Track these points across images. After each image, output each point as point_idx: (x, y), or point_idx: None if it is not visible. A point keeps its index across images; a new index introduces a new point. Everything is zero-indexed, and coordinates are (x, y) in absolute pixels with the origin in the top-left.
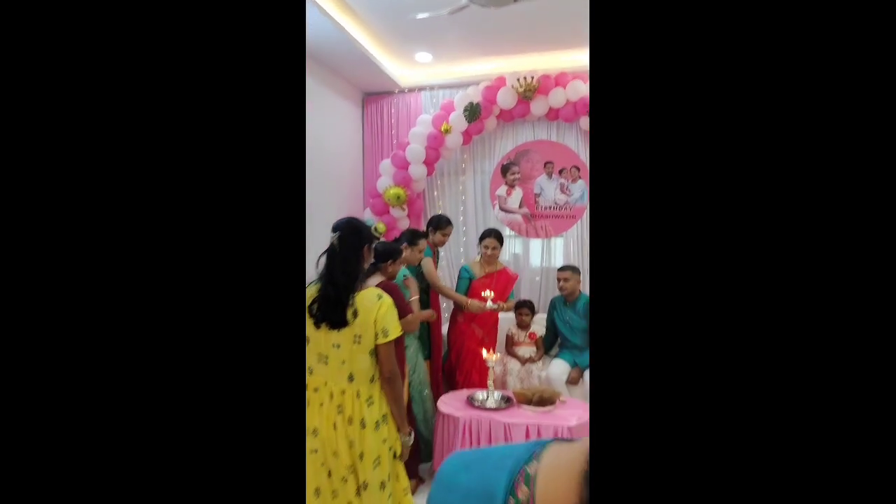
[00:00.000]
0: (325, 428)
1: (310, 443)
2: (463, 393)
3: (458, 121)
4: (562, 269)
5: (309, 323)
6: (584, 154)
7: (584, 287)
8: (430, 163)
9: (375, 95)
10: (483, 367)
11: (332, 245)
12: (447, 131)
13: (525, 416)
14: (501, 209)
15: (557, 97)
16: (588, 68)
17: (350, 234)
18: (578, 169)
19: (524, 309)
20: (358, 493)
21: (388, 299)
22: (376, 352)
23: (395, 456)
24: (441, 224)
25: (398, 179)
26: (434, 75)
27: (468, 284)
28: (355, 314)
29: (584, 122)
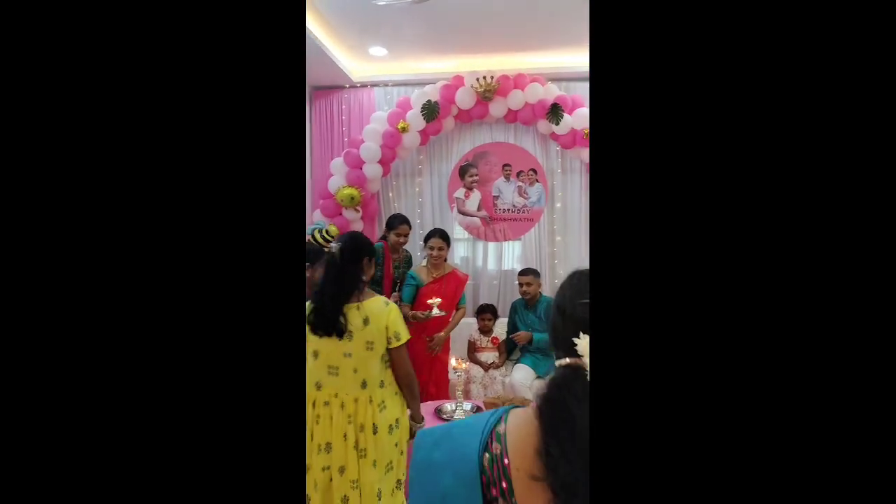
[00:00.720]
0: (337, 441)
1: (323, 460)
2: (429, 405)
3: (415, 119)
4: (522, 272)
5: (313, 337)
6: (541, 157)
7: (544, 289)
8: (385, 162)
9: (325, 89)
10: (440, 378)
11: (331, 255)
12: (404, 129)
13: None
14: (460, 212)
15: (516, 99)
16: (546, 71)
17: (350, 245)
18: (536, 172)
19: (486, 314)
20: None
21: (394, 306)
22: (390, 356)
23: (387, 471)
24: (393, 224)
25: (351, 179)
26: (388, 71)
27: (415, 292)
28: (366, 321)
29: (542, 125)
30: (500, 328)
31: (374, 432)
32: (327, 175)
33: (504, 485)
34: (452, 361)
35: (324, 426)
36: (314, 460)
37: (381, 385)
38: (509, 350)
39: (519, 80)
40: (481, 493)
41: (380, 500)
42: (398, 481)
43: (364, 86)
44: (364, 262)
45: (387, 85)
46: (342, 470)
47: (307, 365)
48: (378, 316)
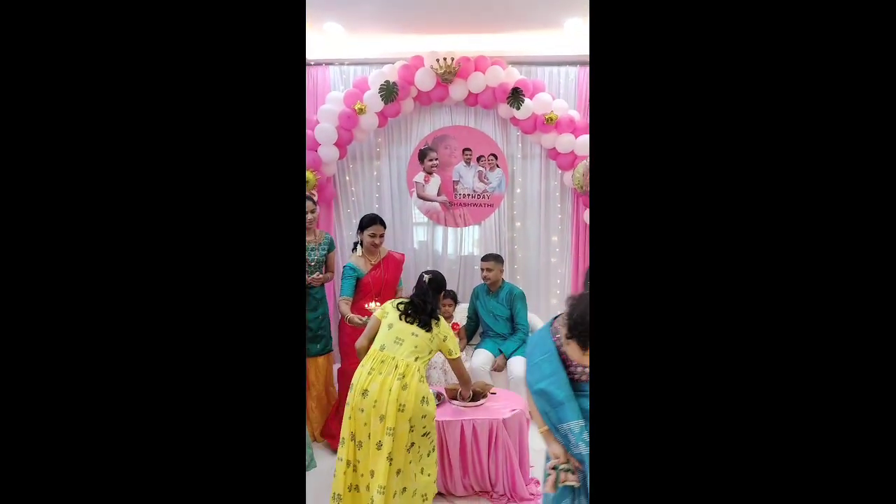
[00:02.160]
0: (377, 391)
1: (359, 402)
2: None
3: (372, 100)
4: (485, 258)
5: (396, 317)
6: (501, 141)
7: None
8: (342, 145)
9: None
10: None
11: (423, 281)
12: (362, 111)
13: (458, 412)
14: (419, 197)
15: (477, 81)
16: (507, 54)
17: (434, 280)
18: (496, 157)
19: (447, 300)
20: (390, 458)
21: (453, 332)
22: (450, 363)
23: (423, 434)
24: None
25: (306, 162)
26: (344, 49)
27: (355, 284)
28: (437, 324)
29: (503, 109)
30: (460, 314)
31: (411, 394)
32: None
33: (558, 336)
34: None
35: (372, 377)
36: (355, 400)
37: (425, 365)
38: (469, 335)
39: (480, 63)
40: (553, 342)
41: (409, 451)
42: (433, 447)
43: (318, 64)
44: (440, 296)
45: (342, 64)
46: (382, 418)
47: (381, 332)
48: (445, 329)
